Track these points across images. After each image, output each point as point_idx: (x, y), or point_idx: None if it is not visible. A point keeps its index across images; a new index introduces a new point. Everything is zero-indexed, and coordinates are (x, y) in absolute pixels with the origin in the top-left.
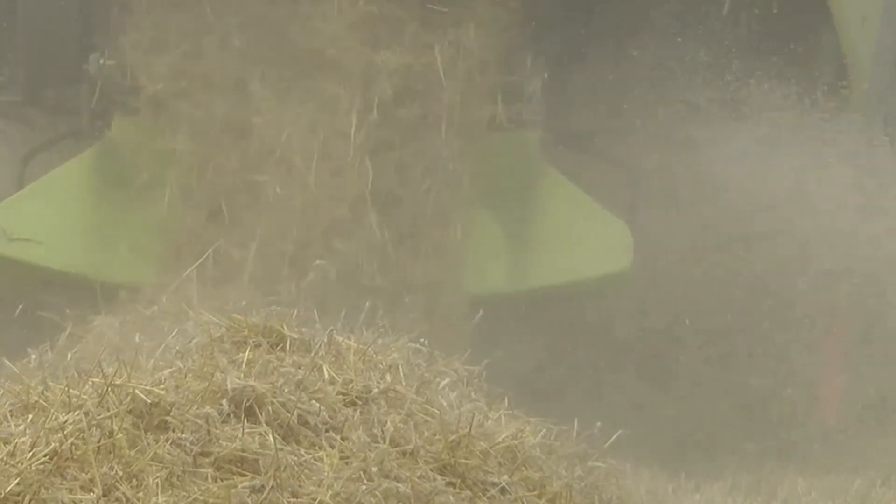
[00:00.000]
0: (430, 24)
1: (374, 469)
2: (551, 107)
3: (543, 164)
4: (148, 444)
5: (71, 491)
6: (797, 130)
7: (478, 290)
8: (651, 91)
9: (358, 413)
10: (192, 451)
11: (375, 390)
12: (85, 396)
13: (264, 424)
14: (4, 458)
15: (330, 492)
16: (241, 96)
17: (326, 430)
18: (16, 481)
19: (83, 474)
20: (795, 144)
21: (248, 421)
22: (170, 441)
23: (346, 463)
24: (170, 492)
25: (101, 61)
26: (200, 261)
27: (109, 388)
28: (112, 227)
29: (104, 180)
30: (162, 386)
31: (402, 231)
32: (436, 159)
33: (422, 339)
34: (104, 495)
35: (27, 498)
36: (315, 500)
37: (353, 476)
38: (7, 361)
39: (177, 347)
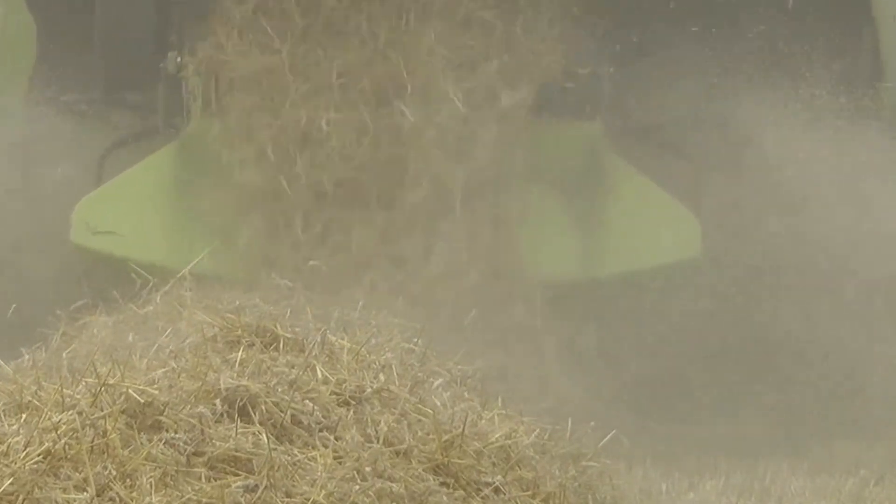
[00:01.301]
0: (497, 15)
1: (368, 469)
2: (617, 98)
3: (610, 153)
4: (141, 443)
5: (64, 490)
6: (853, 127)
7: (548, 278)
8: (715, 83)
9: (351, 413)
10: (185, 450)
11: (369, 390)
12: (78, 396)
13: (258, 424)
14: None
15: (323, 491)
16: (315, 98)
17: (320, 430)
18: (9, 481)
19: (77, 474)
20: (851, 140)
21: (241, 421)
22: (163, 441)
23: (340, 463)
24: (163, 491)
25: (179, 60)
26: (195, 262)
27: (103, 388)
28: (193, 219)
29: (184, 175)
30: (155, 386)
31: (471, 219)
32: (502, 150)
33: (415, 339)
34: (98, 495)
35: (21, 497)
36: (308, 499)
37: (347, 476)
38: (0, 361)
39: (170, 347)
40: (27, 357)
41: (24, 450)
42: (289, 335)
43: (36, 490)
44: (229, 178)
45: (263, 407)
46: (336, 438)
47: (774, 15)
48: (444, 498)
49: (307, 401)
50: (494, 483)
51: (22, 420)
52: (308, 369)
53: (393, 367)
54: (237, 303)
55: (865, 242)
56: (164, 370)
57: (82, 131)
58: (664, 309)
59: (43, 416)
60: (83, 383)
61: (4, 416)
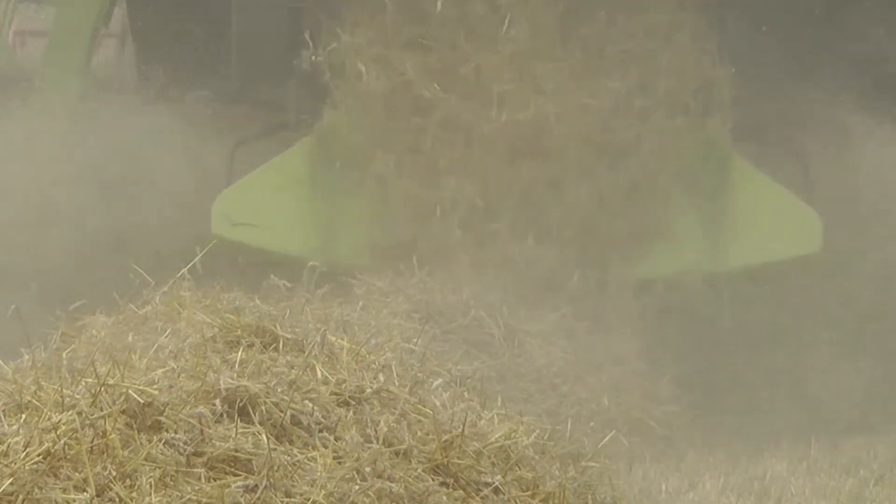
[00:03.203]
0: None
1: (368, 469)
2: (739, 98)
3: (733, 152)
4: (141, 443)
5: (64, 491)
6: None
7: (675, 272)
8: (829, 84)
9: (351, 413)
10: (185, 450)
11: (369, 390)
12: (78, 396)
13: (257, 424)
14: None
15: (323, 491)
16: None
17: (320, 430)
18: (9, 481)
19: (76, 474)
20: None
21: (241, 421)
22: (163, 441)
23: (340, 463)
24: (163, 492)
25: (313, 58)
26: (194, 261)
27: (103, 388)
28: (329, 212)
29: (320, 169)
30: (155, 386)
31: (591, 211)
32: (630, 147)
33: (414, 340)
34: (97, 495)
35: (20, 498)
36: (308, 499)
37: (347, 476)
38: (0, 361)
39: (170, 347)
40: (27, 357)
41: (24, 450)
42: (288, 335)
43: (36, 490)
44: (364, 172)
45: (263, 407)
46: (336, 438)
47: (891, 22)
48: (444, 498)
49: (307, 401)
50: (494, 483)
51: (22, 420)
52: (308, 369)
53: (392, 367)
54: (237, 303)
55: None
56: (163, 370)
57: (214, 127)
58: (784, 303)
59: (43, 416)
60: (83, 383)
61: (4, 416)
